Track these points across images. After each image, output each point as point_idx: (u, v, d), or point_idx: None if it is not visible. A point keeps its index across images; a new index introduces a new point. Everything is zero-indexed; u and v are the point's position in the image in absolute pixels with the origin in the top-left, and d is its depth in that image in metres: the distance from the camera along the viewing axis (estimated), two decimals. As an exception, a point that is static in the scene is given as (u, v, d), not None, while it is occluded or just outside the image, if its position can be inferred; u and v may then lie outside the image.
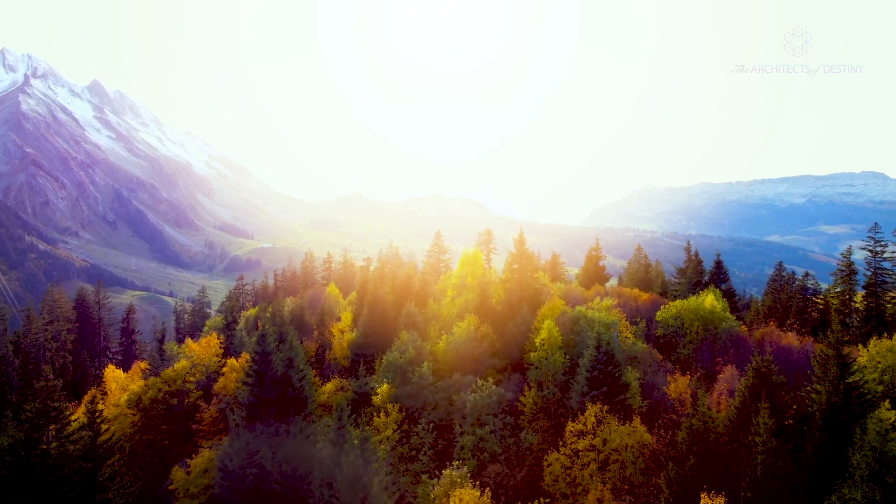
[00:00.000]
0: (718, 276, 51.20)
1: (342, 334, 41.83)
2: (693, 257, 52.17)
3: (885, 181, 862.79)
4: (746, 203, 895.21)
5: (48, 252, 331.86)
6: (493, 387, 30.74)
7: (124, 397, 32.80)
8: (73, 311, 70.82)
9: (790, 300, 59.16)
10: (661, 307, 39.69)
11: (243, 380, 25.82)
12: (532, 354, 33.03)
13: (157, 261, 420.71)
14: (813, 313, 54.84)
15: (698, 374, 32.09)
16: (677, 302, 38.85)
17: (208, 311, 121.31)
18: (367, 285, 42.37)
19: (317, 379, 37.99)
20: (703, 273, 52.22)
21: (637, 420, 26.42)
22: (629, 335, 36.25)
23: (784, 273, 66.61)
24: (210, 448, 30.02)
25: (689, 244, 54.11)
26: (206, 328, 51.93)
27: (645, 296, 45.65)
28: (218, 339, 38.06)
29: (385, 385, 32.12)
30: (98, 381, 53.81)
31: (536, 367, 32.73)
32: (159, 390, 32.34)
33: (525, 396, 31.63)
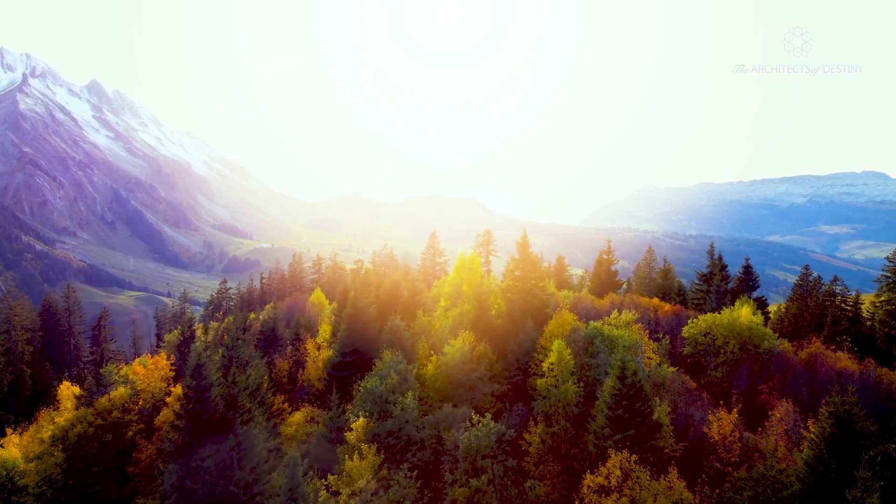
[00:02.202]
0: (747, 283, 45.37)
1: (318, 351, 36.24)
2: (717, 261, 46.32)
3: (886, 181, 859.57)
4: (747, 203, 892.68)
5: (45, 252, 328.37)
6: (492, 423, 25.12)
7: (48, 431, 27.36)
8: (37, 318, 65.54)
9: (821, 308, 53.40)
10: (689, 321, 33.99)
11: (173, 423, 20.30)
12: (539, 381, 27.39)
13: (156, 261, 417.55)
14: (842, 322, 49.16)
15: (739, 405, 26.47)
16: (708, 316, 33.16)
17: (199, 310, 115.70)
18: (348, 294, 36.78)
19: (286, 405, 32.46)
20: (729, 279, 46.55)
21: (674, 473, 20.81)
22: (652, 355, 30.60)
23: (810, 278, 60.71)
24: (147, 497, 24.50)
25: (712, 246, 48.13)
26: (164, 343, 46.43)
27: (666, 307, 39.91)
28: (168, 359, 32.55)
29: (361, 419, 26.53)
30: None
31: (544, 398, 27.09)
32: (90, 424, 26.91)
33: (531, 434, 26.02)
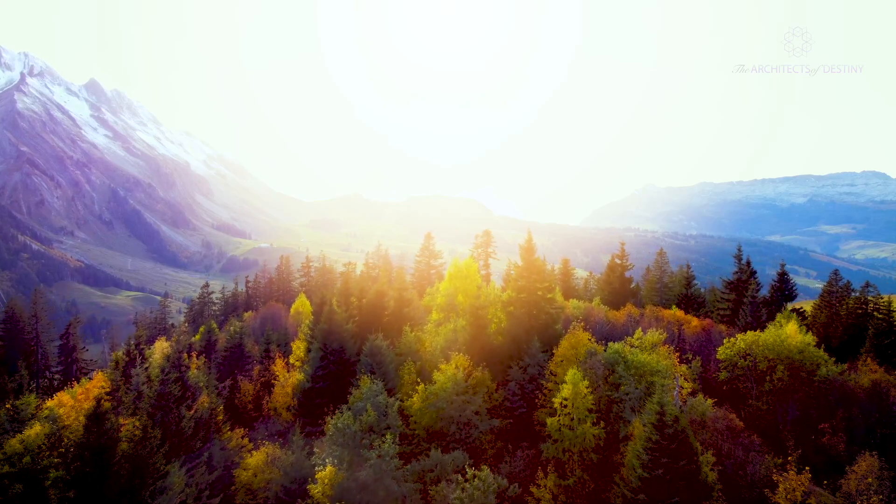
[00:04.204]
0: (783, 292, 39.87)
1: (288, 373, 30.99)
2: (746, 266, 40.74)
3: (886, 181, 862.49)
4: (747, 203, 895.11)
5: (42, 252, 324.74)
6: (490, 476, 19.87)
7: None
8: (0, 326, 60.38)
9: (854, 318, 48.01)
10: (725, 341, 28.61)
11: (62, 495, 15.12)
12: (549, 420, 22.12)
13: (154, 261, 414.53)
14: (885, 336, 43.64)
15: (798, 449, 21.21)
16: (748, 334, 27.84)
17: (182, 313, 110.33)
18: (324, 307, 31.53)
19: (245, 441, 27.16)
20: (758, 287, 41.11)
21: (733, 559, 15.54)
22: (685, 383, 25.31)
23: (840, 283, 55.19)
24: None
25: (739, 250, 42.44)
26: (111, 363, 41.19)
27: (694, 321, 34.51)
28: (103, 385, 27.33)
29: (329, 467, 21.31)
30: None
31: (555, 440, 21.83)
32: (-6, 472, 21.76)
33: (539, 487, 20.79)
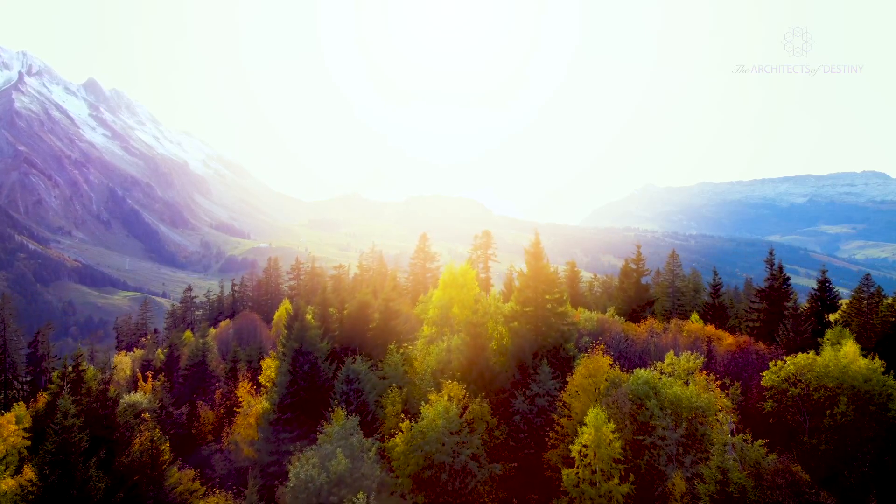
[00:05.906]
0: (824, 303, 35.19)
1: (254, 399, 26.43)
2: (778, 272, 36.01)
3: (887, 181, 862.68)
4: (747, 203, 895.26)
5: (39, 252, 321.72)
6: (491, 551, 15.31)
7: None
8: (-39, 334, 56.07)
9: (888, 328, 43.41)
10: (771, 363, 23.96)
11: None
12: (565, 472, 17.53)
13: (152, 261, 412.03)
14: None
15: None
16: (799, 357, 23.21)
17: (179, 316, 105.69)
18: (296, 321, 26.97)
19: (197, 483, 22.62)
20: (791, 294, 36.52)
21: None
22: (731, 418, 20.65)
23: (871, 289, 50.48)
24: None
25: (771, 253, 37.57)
26: (50, 385, 36.48)
27: (729, 339, 29.77)
28: (26, 416, 22.86)
29: (285, 532, 16.80)
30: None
31: (573, 498, 17.25)
32: None
33: (553, 562, 16.20)
